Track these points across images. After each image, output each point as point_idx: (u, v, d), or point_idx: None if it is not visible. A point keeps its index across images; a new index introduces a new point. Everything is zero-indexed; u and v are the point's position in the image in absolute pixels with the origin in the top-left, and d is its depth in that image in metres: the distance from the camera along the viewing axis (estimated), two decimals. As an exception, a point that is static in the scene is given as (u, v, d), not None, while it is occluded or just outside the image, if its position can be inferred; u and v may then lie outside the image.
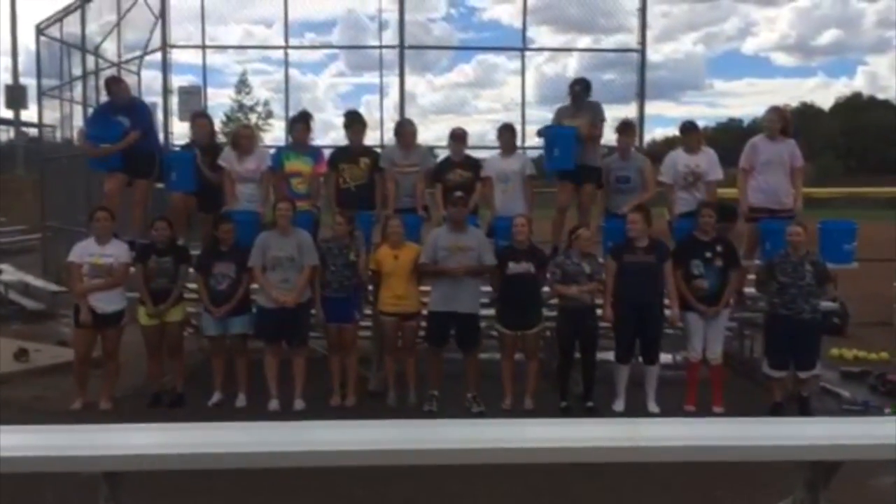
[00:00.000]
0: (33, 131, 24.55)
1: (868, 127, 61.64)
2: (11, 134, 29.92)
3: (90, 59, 12.61)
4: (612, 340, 6.80)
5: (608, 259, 6.70)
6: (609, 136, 7.80)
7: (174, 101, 10.57)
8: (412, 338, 6.80)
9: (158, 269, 6.63)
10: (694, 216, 6.85)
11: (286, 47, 10.73)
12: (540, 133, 7.70)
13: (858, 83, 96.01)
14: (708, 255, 6.58)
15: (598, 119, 7.49)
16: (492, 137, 8.29)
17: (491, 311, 6.87)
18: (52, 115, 15.11)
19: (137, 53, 11.71)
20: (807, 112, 62.67)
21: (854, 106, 68.48)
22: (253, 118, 27.50)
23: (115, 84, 7.55)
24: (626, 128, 7.55)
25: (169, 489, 4.61)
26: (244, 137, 7.33)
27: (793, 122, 7.37)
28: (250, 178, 7.17)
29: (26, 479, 3.46)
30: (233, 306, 6.60)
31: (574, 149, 7.27)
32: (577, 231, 6.70)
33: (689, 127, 7.46)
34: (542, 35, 12.90)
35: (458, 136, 7.44)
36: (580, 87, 7.49)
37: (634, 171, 7.32)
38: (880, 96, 73.53)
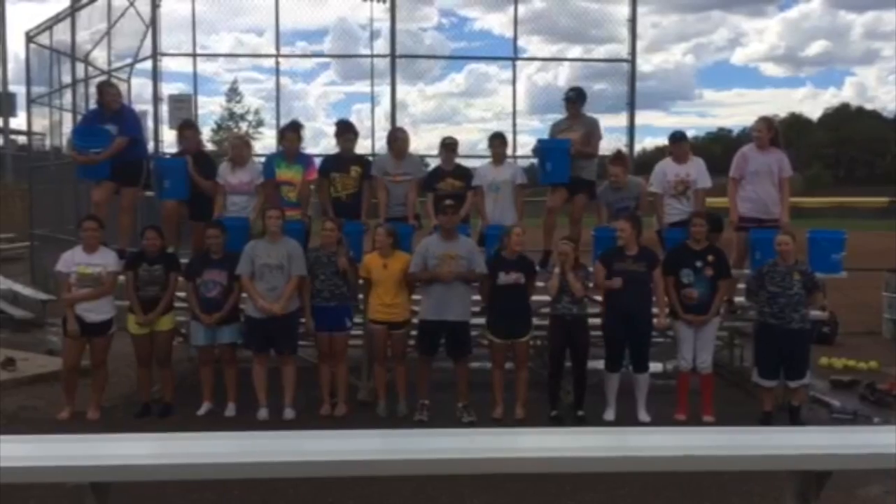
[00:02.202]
0: (22, 139, 24.50)
1: (856, 137, 62.20)
2: (0, 141, 29.80)
3: (80, 67, 12.58)
4: (603, 349, 6.81)
5: (596, 264, 6.71)
6: (602, 147, 7.82)
7: (164, 109, 10.56)
8: (402, 346, 6.79)
9: (148, 278, 6.60)
10: (685, 225, 6.88)
11: (277, 56, 10.75)
12: (535, 150, 7.71)
13: (846, 94, 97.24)
14: (699, 264, 6.60)
15: (593, 136, 7.48)
16: (483, 146, 8.32)
17: (481, 321, 6.87)
18: (41, 123, 15.07)
19: (128, 61, 11.71)
20: (795, 122, 63.12)
21: (842, 116, 69.11)
22: (243, 127, 27.49)
23: (108, 88, 7.51)
24: (618, 159, 7.53)
25: (157, 499, 4.58)
26: (237, 148, 7.30)
27: (781, 133, 7.39)
28: (243, 190, 7.16)
29: (10, 489, 3.43)
30: (224, 314, 6.57)
31: (567, 162, 7.28)
32: (560, 243, 6.68)
33: (678, 137, 7.48)
34: (532, 45, 12.93)
35: (449, 146, 7.45)
36: (574, 94, 7.50)
37: (632, 199, 7.31)
38: (868, 107, 74.47)
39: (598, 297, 6.89)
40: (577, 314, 6.55)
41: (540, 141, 7.66)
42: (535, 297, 6.86)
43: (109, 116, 7.25)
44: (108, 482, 3.31)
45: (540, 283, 6.81)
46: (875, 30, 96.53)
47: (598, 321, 6.83)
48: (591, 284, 6.67)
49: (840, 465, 3.54)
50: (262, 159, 7.71)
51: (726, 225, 7.37)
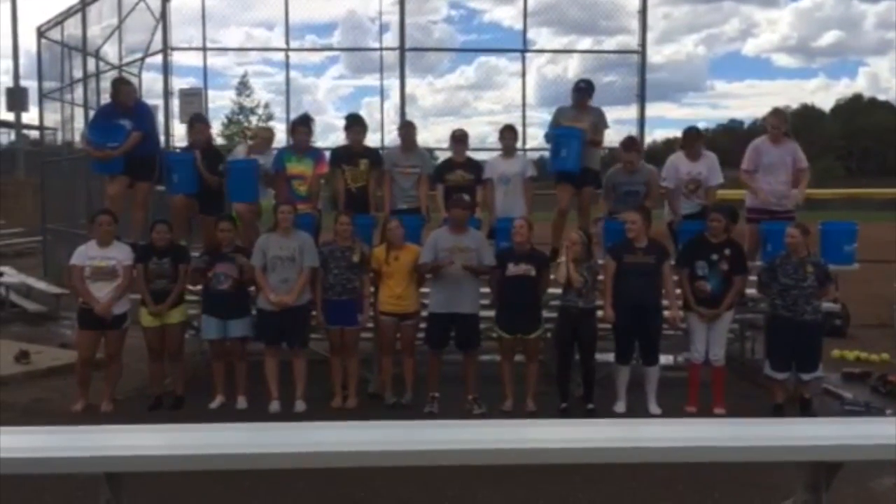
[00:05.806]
0: (34, 134, 24.62)
1: (868, 129, 61.61)
2: (12, 136, 29.99)
3: (91, 62, 12.64)
4: (613, 342, 6.79)
5: (607, 259, 6.70)
6: (611, 139, 7.81)
7: (175, 103, 10.60)
8: (411, 338, 6.80)
9: (158, 271, 6.63)
10: (697, 217, 6.85)
11: (287, 49, 10.77)
12: (547, 136, 7.69)
13: (859, 85, 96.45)
14: (714, 257, 6.55)
15: (601, 127, 7.49)
16: (492, 139, 8.31)
17: (491, 313, 6.86)
18: (52, 118, 15.16)
19: (138, 56, 11.74)
20: (807, 114, 62.60)
21: (854, 108, 68.47)
22: (254, 120, 27.49)
23: (123, 85, 7.57)
24: (631, 144, 7.47)
25: (170, 490, 4.61)
26: (263, 136, 8.05)
27: (790, 124, 7.35)
28: None
29: (25, 480, 3.46)
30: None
31: (580, 150, 7.26)
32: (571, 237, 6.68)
33: (692, 134, 7.42)
34: (542, 37, 12.93)
35: (459, 138, 7.45)
36: (586, 85, 7.48)
37: (642, 185, 7.28)
38: (881, 98, 73.70)
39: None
40: (583, 307, 6.53)
41: (555, 128, 7.62)
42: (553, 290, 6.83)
43: (123, 112, 7.29)
44: (122, 472, 3.34)
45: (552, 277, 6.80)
46: (889, 20, 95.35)
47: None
48: (600, 277, 6.66)
49: (851, 457, 3.53)
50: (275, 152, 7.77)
51: (741, 216, 7.33)
